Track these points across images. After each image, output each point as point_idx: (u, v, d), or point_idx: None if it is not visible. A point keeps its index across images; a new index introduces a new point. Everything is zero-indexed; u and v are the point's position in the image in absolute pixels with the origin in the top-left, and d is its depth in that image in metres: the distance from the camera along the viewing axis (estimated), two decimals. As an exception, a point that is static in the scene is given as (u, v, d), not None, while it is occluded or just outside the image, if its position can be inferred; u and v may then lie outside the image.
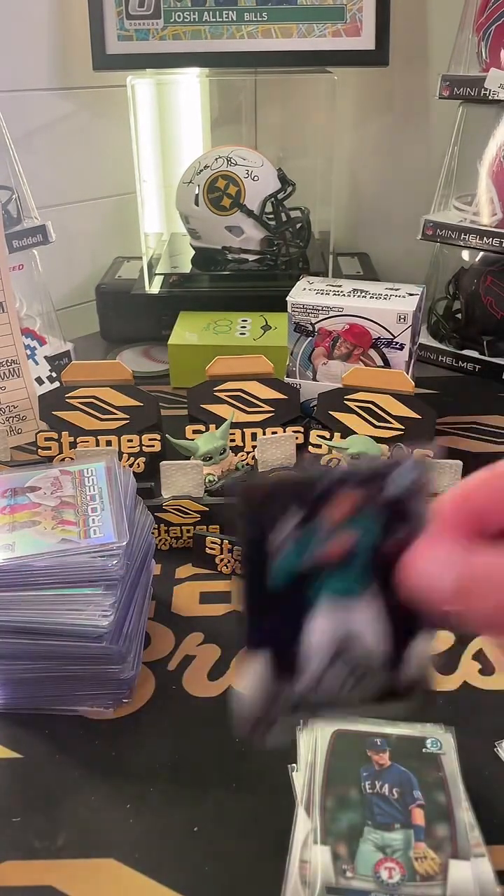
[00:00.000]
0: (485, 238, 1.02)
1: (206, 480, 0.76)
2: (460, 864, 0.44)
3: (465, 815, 0.46)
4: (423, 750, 0.50)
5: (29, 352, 0.97)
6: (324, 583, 0.29)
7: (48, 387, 0.97)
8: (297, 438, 0.78)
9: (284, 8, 1.08)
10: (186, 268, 1.18)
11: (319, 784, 0.47)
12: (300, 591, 0.29)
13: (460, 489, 0.29)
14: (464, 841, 0.45)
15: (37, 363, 0.99)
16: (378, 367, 0.88)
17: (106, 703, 0.56)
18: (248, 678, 0.30)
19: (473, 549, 0.27)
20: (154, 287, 1.15)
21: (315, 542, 0.28)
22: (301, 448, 0.80)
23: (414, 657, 0.30)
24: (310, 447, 0.82)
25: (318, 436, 0.82)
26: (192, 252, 1.19)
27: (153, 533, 0.66)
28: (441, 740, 0.50)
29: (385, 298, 0.87)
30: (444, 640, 0.62)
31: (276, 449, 0.76)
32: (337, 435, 0.82)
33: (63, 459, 0.82)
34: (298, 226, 1.16)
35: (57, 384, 0.96)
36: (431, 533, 0.28)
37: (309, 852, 0.43)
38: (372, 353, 0.88)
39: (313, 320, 0.88)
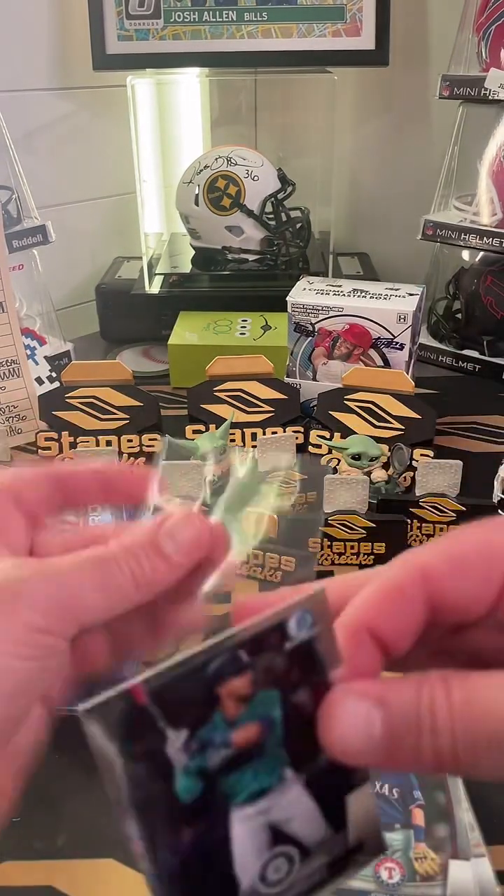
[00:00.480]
0: (485, 238, 1.02)
1: (206, 480, 0.76)
2: (460, 865, 0.44)
3: (465, 815, 0.46)
4: None
5: (29, 352, 0.97)
6: (237, 786, 0.23)
7: (48, 387, 0.97)
8: (297, 438, 0.78)
9: (284, 8, 1.08)
10: (186, 268, 1.18)
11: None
12: (210, 807, 0.23)
13: (354, 611, 0.24)
14: (464, 841, 0.45)
15: (37, 363, 0.99)
16: (378, 367, 0.88)
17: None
18: None
19: (391, 687, 0.23)
20: (154, 287, 1.15)
21: (214, 749, 0.23)
22: (301, 448, 0.80)
23: (356, 814, 0.25)
24: (310, 447, 0.82)
25: (318, 436, 0.82)
26: (192, 252, 1.19)
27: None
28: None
29: (385, 298, 0.87)
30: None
31: (276, 449, 0.76)
32: (337, 435, 0.82)
33: (63, 459, 0.82)
34: (298, 226, 1.16)
35: (57, 384, 0.96)
36: (342, 673, 0.24)
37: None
38: (372, 353, 0.88)
39: (313, 320, 0.88)
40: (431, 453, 0.78)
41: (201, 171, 1.11)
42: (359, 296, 0.88)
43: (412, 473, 0.76)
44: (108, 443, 0.83)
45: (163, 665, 0.22)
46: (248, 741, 0.23)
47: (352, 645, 0.24)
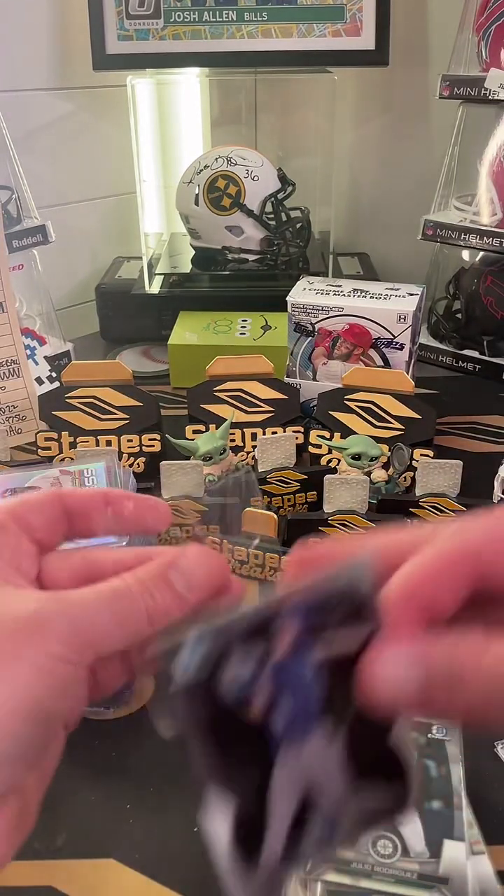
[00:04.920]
0: (485, 238, 1.02)
1: (206, 480, 0.76)
2: (454, 844, 0.44)
3: (464, 813, 0.46)
4: (429, 735, 0.50)
5: (29, 352, 0.97)
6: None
7: (48, 387, 0.97)
8: (297, 438, 0.78)
9: (284, 8, 1.08)
10: (186, 268, 1.18)
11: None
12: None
13: (406, 582, 0.26)
14: (459, 825, 0.45)
15: (37, 363, 0.99)
16: (378, 367, 0.88)
17: (106, 703, 0.56)
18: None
19: (432, 640, 0.25)
20: (154, 287, 1.15)
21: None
22: (301, 448, 0.80)
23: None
24: (310, 447, 0.82)
25: (318, 436, 0.81)
26: (192, 252, 1.19)
27: (153, 533, 0.66)
28: (446, 727, 0.50)
29: (385, 298, 0.87)
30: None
31: (276, 449, 0.76)
32: (337, 435, 0.82)
33: (63, 459, 0.82)
34: (298, 226, 1.16)
35: (57, 384, 0.96)
36: (385, 633, 0.26)
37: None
38: (372, 353, 0.88)
39: (313, 320, 0.88)
40: (431, 453, 0.78)
41: (201, 170, 1.11)
42: (359, 296, 0.88)
43: (412, 473, 0.76)
44: (108, 443, 0.83)
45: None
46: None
47: (398, 610, 0.26)
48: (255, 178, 1.11)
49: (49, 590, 0.31)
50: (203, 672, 0.25)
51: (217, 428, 0.80)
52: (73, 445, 0.82)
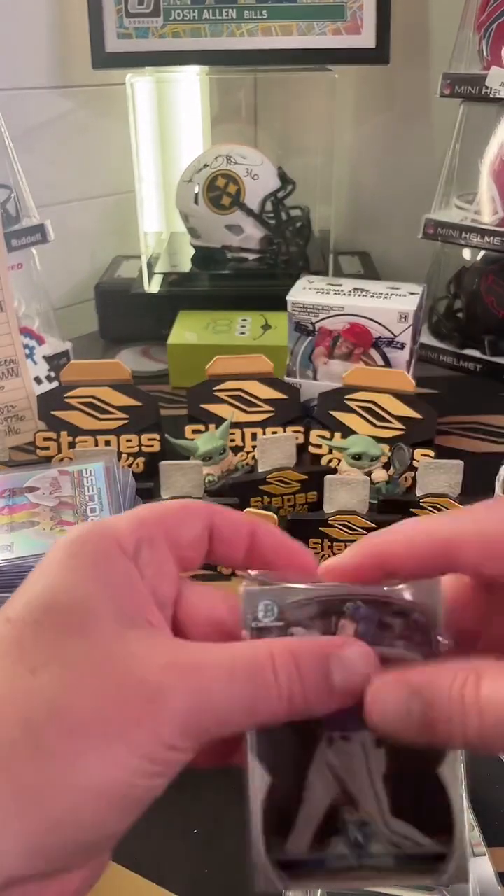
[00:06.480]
0: (486, 237, 1.01)
1: (206, 480, 0.76)
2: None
3: (464, 814, 0.46)
4: None
5: (27, 351, 0.97)
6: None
7: (47, 386, 0.97)
8: (297, 438, 0.78)
9: (284, 6, 1.08)
10: (186, 267, 1.18)
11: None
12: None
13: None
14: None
15: (35, 363, 0.99)
16: (379, 366, 0.87)
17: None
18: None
19: (430, 675, 0.25)
20: (153, 286, 1.15)
21: None
22: (301, 448, 0.80)
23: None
24: (310, 447, 0.82)
25: (318, 436, 0.81)
26: (192, 251, 1.19)
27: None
28: None
29: (386, 297, 0.87)
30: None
31: (276, 449, 0.76)
32: (337, 435, 0.81)
33: (62, 459, 0.82)
34: (298, 224, 1.16)
35: (56, 384, 0.96)
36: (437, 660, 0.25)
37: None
38: (373, 352, 0.87)
39: (313, 319, 0.88)
40: (432, 453, 0.77)
41: (201, 169, 1.11)
42: (359, 295, 0.88)
43: (413, 473, 0.75)
44: (108, 443, 0.83)
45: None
46: None
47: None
48: (255, 177, 1.10)
49: (180, 629, 0.27)
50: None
51: (217, 428, 0.79)
52: (71, 445, 0.82)
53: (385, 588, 0.27)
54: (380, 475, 0.76)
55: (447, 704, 0.24)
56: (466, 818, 0.27)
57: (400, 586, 0.27)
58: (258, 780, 0.25)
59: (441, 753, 0.26)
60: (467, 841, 0.26)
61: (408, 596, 0.27)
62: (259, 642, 0.25)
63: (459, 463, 0.70)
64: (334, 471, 0.76)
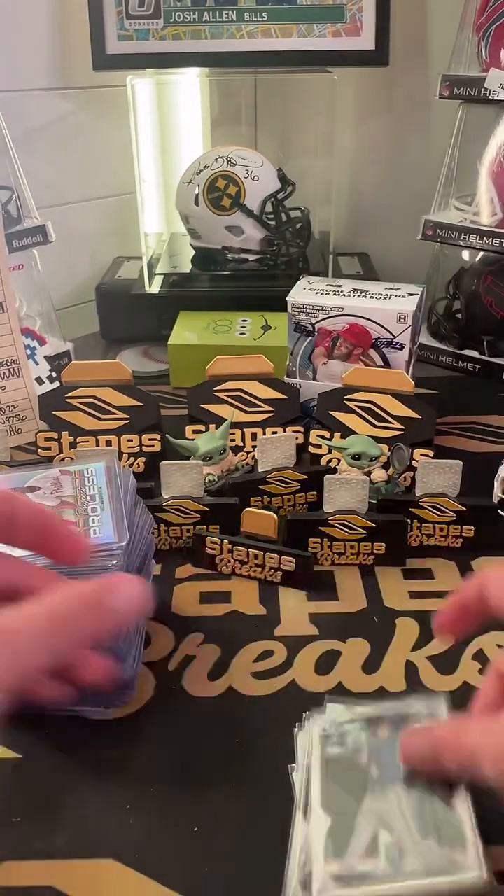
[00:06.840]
0: (485, 238, 1.02)
1: (207, 480, 0.76)
2: None
3: (476, 833, 0.46)
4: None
5: (29, 352, 0.97)
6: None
7: (48, 387, 0.97)
8: (297, 438, 0.78)
9: (284, 8, 1.08)
10: (186, 268, 1.18)
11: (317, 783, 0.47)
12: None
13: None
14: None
15: (37, 363, 0.99)
16: (378, 367, 0.88)
17: (106, 703, 0.56)
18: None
19: (447, 728, 0.42)
20: (154, 287, 1.15)
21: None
22: (301, 448, 0.80)
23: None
24: (310, 447, 0.82)
25: (318, 436, 0.82)
26: (192, 252, 1.19)
27: (153, 533, 0.66)
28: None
29: (385, 298, 0.87)
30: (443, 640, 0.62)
31: (275, 449, 0.76)
32: (337, 435, 0.82)
33: (63, 459, 0.82)
34: (298, 226, 1.16)
35: (57, 384, 0.96)
36: None
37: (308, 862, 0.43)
38: (372, 352, 0.88)
39: (313, 320, 0.88)
40: (431, 453, 0.78)
41: (201, 170, 1.11)
42: (359, 296, 0.88)
43: (412, 473, 0.76)
44: (108, 443, 0.83)
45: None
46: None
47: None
48: (255, 178, 1.11)
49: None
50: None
51: (217, 428, 0.80)
52: (73, 445, 0.82)
53: (400, 703, 0.50)
54: (379, 475, 0.76)
55: (432, 753, 0.41)
56: (477, 836, 0.40)
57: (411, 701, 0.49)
58: (321, 821, 0.42)
59: (453, 789, 0.42)
60: (480, 854, 0.40)
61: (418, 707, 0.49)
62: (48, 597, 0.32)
63: (458, 463, 0.70)
64: (334, 471, 0.76)
